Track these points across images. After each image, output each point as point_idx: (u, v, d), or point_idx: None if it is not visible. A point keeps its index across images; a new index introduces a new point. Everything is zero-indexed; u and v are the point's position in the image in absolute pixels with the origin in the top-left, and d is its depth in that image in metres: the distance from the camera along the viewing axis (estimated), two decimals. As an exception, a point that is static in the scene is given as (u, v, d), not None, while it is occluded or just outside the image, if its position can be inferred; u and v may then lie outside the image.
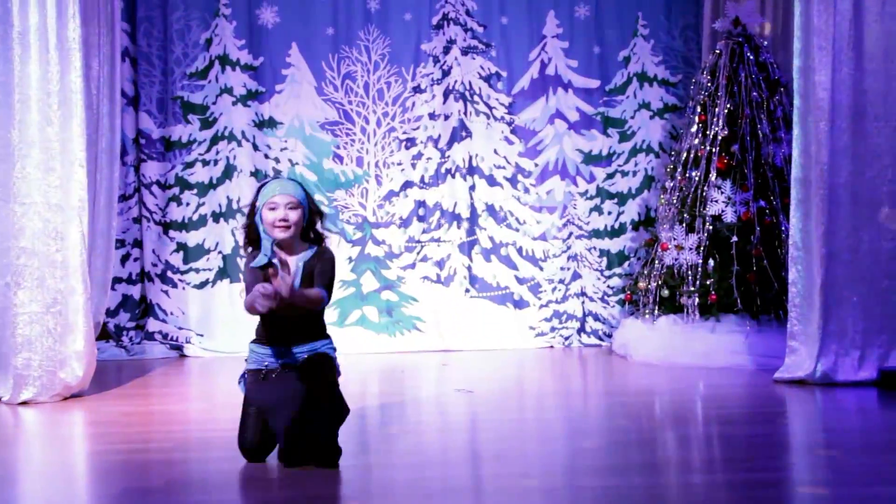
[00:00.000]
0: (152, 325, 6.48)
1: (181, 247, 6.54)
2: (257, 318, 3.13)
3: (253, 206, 3.14)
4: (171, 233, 6.54)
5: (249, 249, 3.16)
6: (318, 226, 3.19)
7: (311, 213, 3.15)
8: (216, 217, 6.56)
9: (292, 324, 3.07)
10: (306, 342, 3.11)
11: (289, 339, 3.09)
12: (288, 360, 3.09)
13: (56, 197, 4.49)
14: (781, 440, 3.49)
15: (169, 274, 6.52)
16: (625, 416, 3.96)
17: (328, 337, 3.19)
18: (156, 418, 4.07)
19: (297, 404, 2.93)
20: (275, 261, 2.92)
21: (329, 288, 3.07)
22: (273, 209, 3.06)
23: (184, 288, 6.52)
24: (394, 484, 2.85)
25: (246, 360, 3.18)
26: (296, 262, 3.10)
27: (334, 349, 3.19)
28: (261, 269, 2.98)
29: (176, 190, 6.55)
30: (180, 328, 6.48)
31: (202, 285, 6.53)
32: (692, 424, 3.81)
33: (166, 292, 6.51)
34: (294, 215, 3.07)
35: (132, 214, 6.52)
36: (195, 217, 6.56)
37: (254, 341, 3.17)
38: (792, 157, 4.75)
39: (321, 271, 3.09)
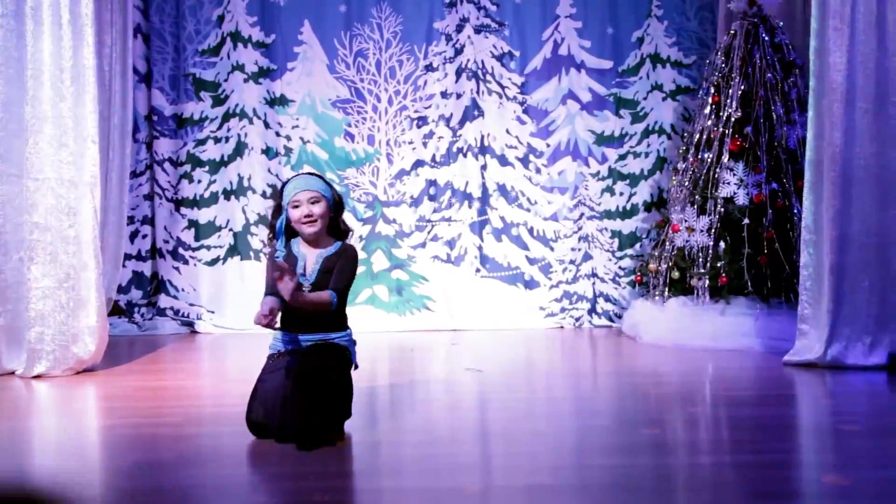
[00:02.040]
0: (164, 301, 6.52)
1: (192, 224, 6.57)
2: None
3: (278, 206, 3.18)
4: (183, 210, 6.56)
5: (273, 242, 3.20)
6: (342, 219, 3.22)
7: (335, 206, 3.18)
8: (227, 194, 6.58)
9: (304, 314, 3.10)
10: (317, 332, 3.13)
11: (300, 327, 3.12)
12: (295, 347, 3.13)
13: (69, 173, 4.51)
14: (790, 422, 3.49)
15: (180, 251, 6.55)
16: (633, 397, 3.96)
17: (346, 329, 3.20)
18: (167, 393, 4.10)
19: (288, 383, 2.96)
20: (280, 261, 2.94)
21: (341, 290, 3.10)
22: (297, 206, 3.10)
23: (195, 265, 6.55)
24: (402, 460, 2.87)
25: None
26: (316, 255, 3.14)
27: (352, 342, 3.21)
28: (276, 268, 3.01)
29: (188, 167, 6.57)
30: (191, 304, 6.52)
31: (213, 262, 6.57)
32: (700, 406, 3.81)
33: (178, 269, 6.55)
34: (318, 209, 3.11)
35: (143, 191, 6.54)
36: (206, 194, 6.58)
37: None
38: (806, 140, 4.71)
39: (339, 270, 3.11)
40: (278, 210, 3.18)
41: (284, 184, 3.21)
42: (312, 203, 3.10)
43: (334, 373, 3.04)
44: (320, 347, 3.11)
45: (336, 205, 3.20)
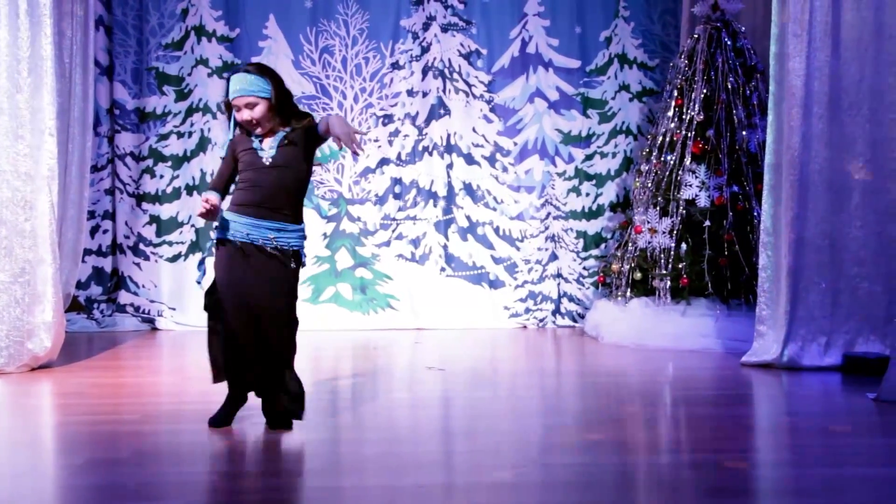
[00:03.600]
0: (124, 297, 6.42)
1: (154, 219, 6.48)
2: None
3: (227, 102, 3.17)
4: (145, 205, 6.47)
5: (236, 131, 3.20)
6: (291, 107, 3.18)
7: (278, 100, 3.14)
8: (190, 190, 6.50)
9: (265, 198, 3.09)
10: (280, 220, 3.10)
11: (260, 212, 3.08)
12: (259, 238, 3.08)
13: (25, 165, 4.42)
14: (747, 422, 3.55)
15: (141, 246, 6.46)
16: (594, 397, 3.99)
17: (301, 223, 3.19)
18: (125, 390, 4.04)
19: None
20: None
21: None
22: (238, 111, 3.13)
23: (156, 261, 6.46)
24: (364, 458, 2.86)
25: (215, 228, 3.16)
26: (276, 140, 3.14)
27: (304, 237, 3.20)
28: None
29: (150, 162, 6.48)
30: (152, 301, 6.43)
31: (175, 258, 6.48)
32: (660, 405, 3.86)
33: (138, 265, 6.45)
34: (257, 112, 3.11)
35: (104, 186, 6.43)
36: (169, 190, 6.49)
37: (229, 210, 3.14)
38: (766, 143, 4.79)
39: (315, 124, 3.15)
40: (228, 106, 3.17)
41: (228, 78, 3.19)
42: (250, 108, 3.11)
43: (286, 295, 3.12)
44: (272, 256, 3.07)
45: (279, 98, 3.15)
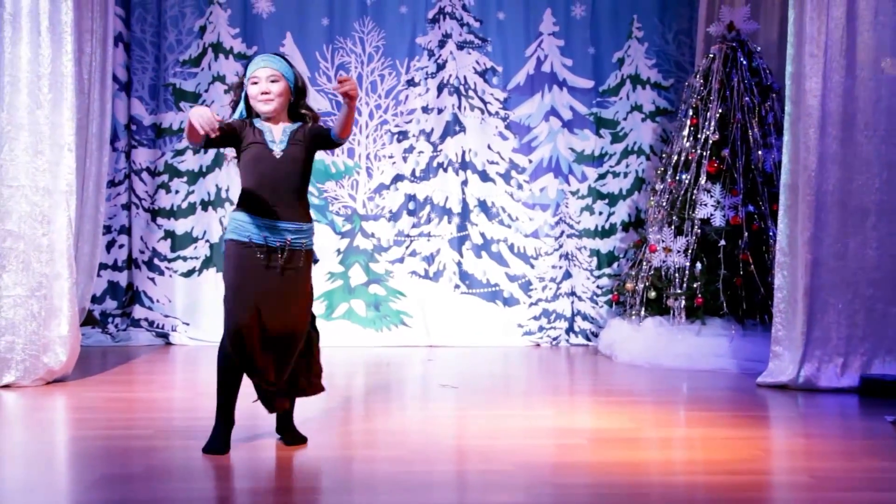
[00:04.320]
0: (138, 312, 6.45)
1: (169, 234, 6.51)
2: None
3: (241, 83, 3.15)
4: (160, 220, 6.51)
5: (232, 115, 3.18)
6: (305, 103, 3.16)
7: (296, 90, 3.13)
8: (205, 205, 6.53)
9: (279, 195, 3.03)
10: (292, 220, 3.05)
11: (275, 212, 3.03)
12: (274, 239, 3.03)
13: (44, 180, 4.46)
14: (762, 444, 3.51)
15: (156, 261, 6.49)
16: (608, 416, 3.97)
17: (311, 220, 3.16)
18: (138, 405, 4.05)
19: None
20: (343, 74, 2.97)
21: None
22: (255, 83, 3.06)
23: (171, 276, 6.49)
24: (375, 477, 2.85)
25: (226, 228, 3.15)
26: (282, 129, 3.09)
27: (313, 232, 3.16)
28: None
29: (165, 177, 6.52)
30: (166, 316, 6.46)
31: (189, 274, 6.51)
32: (675, 426, 3.83)
33: (153, 280, 6.48)
34: (276, 87, 3.06)
35: (121, 201, 6.48)
36: (184, 205, 6.53)
37: (238, 210, 3.10)
38: (781, 163, 4.78)
39: (323, 128, 3.11)
40: (241, 87, 3.15)
41: (248, 62, 3.17)
42: (271, 81, 3.05)
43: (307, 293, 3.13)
44: (292, 256, 3.05)
45: (298, 89, 3.14)
